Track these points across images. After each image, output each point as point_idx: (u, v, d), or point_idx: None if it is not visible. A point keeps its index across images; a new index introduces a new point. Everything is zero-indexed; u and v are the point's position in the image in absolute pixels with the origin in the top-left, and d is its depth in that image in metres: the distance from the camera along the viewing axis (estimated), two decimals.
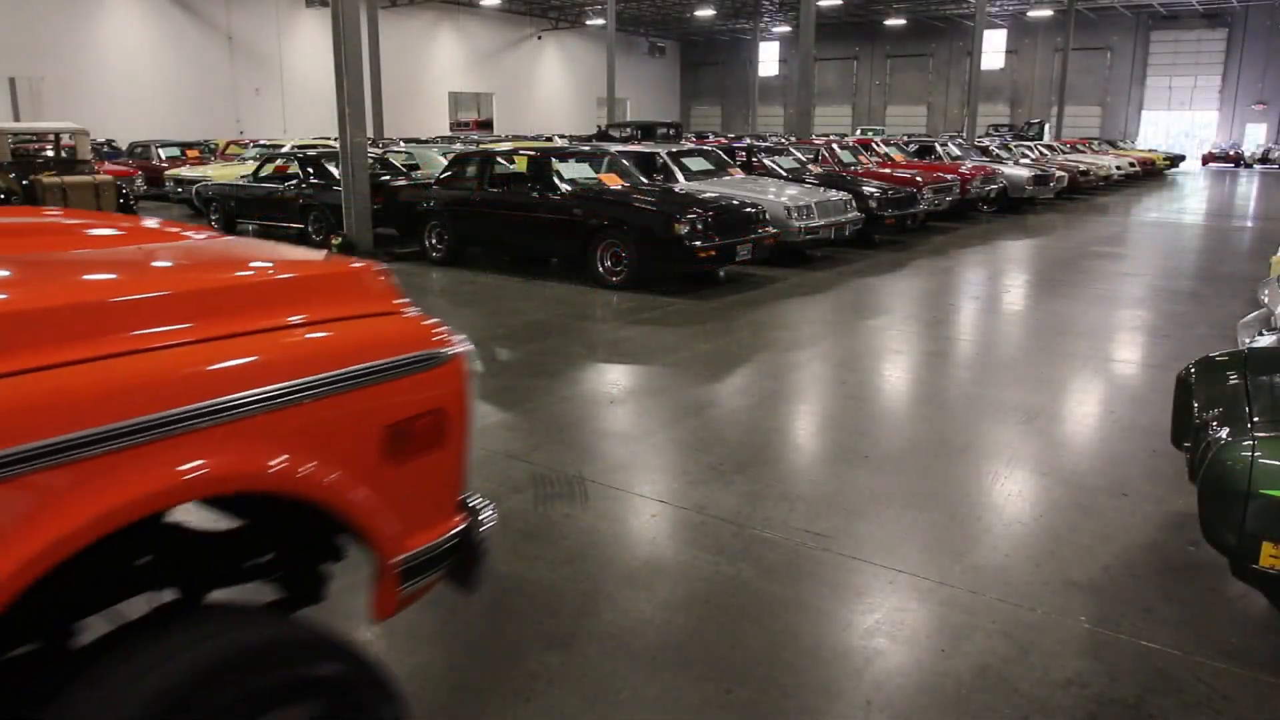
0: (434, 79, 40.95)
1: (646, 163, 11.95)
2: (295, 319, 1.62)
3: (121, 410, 1.30)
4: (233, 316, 1.54)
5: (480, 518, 1.97)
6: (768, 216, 9.76)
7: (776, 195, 10.81)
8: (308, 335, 1.61)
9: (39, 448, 1.21)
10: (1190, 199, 22.52)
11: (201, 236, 2.15)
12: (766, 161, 13.70)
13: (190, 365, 1.42)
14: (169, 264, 1.81)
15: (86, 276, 1.66)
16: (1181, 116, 45.46)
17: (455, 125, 41.60)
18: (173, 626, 1.42)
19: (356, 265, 1.84)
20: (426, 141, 24.94)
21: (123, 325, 1.40)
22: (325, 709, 1.48)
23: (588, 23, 46.04)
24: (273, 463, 1.47)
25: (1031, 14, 44.50)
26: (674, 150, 12.57)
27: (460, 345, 1.85)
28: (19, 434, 1.20)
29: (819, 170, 14.29)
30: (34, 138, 16.61)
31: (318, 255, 1.90)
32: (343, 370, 1.60)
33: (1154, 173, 30.69)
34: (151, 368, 1.38)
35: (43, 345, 1.29)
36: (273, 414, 1.48)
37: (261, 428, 1.47)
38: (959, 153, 19.09)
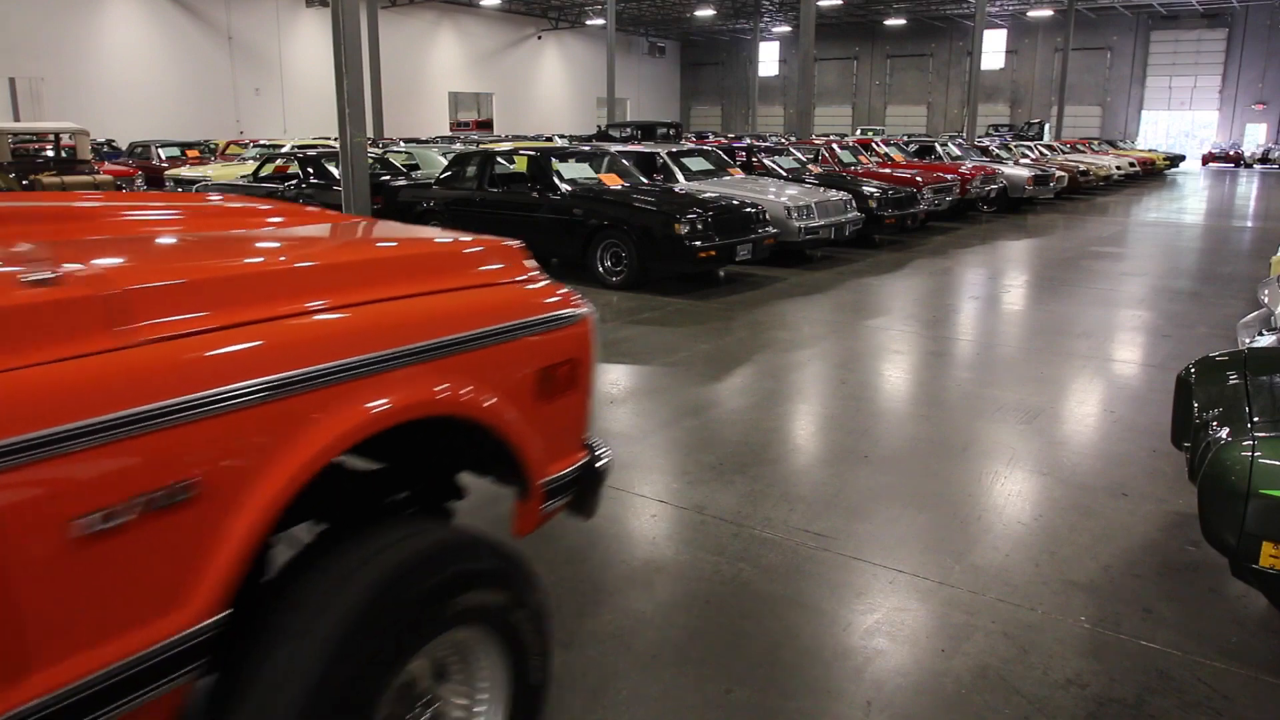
0: (434, 79, 40.96)
1: (646, 163, 11.96)
2: (477, 284, 2.07)
3: (380, 343, 1.73)
4: (436, 278, 1.97)
5: (599, 454, 2.42)
6: (768, 216, 9.76)
7: (776, 195, 10.81)
8: (485, 296, 2.05)
9: (332, 368, 1.64)
10: (1190, 199, 22.53)
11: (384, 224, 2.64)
12: (766, 161, 13.71)
13: (413, 313, 1.85)
14: (386, 240, 2.28)
15: (334, 243, 2.27)
16: (1181, 116, 45.48)
17: (455, 125, 41.60)
18: (371, 534, 1.72)
19: (509, 244, 2.23)
20: (426, 141, 24.94)
21: (371, 282, 1.84)
22: (493, 597, 1.84)
23: (588, 23, 46.05)
24: (463, 392, 1.90)
25: (1031, 14, 44.50)
26: (674, 150, 12.57)
27: (588, 308, 2.29)
28: (322, 354, 1.63)
29: (819, 170, 14.29)
30: (34, 138, 16.61)
31: (474, 236, 2.27)
32: (511, 323, 2.03)
33: (1154, 173, 30.70)
34: (391, 313, 1.81)
35: (324, 292, 1.74)
36: (466, 355, 1.91)
37: (457, 365, 1.89)
38: (959, 153, 19.10)
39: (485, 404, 1.93)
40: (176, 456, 1.42)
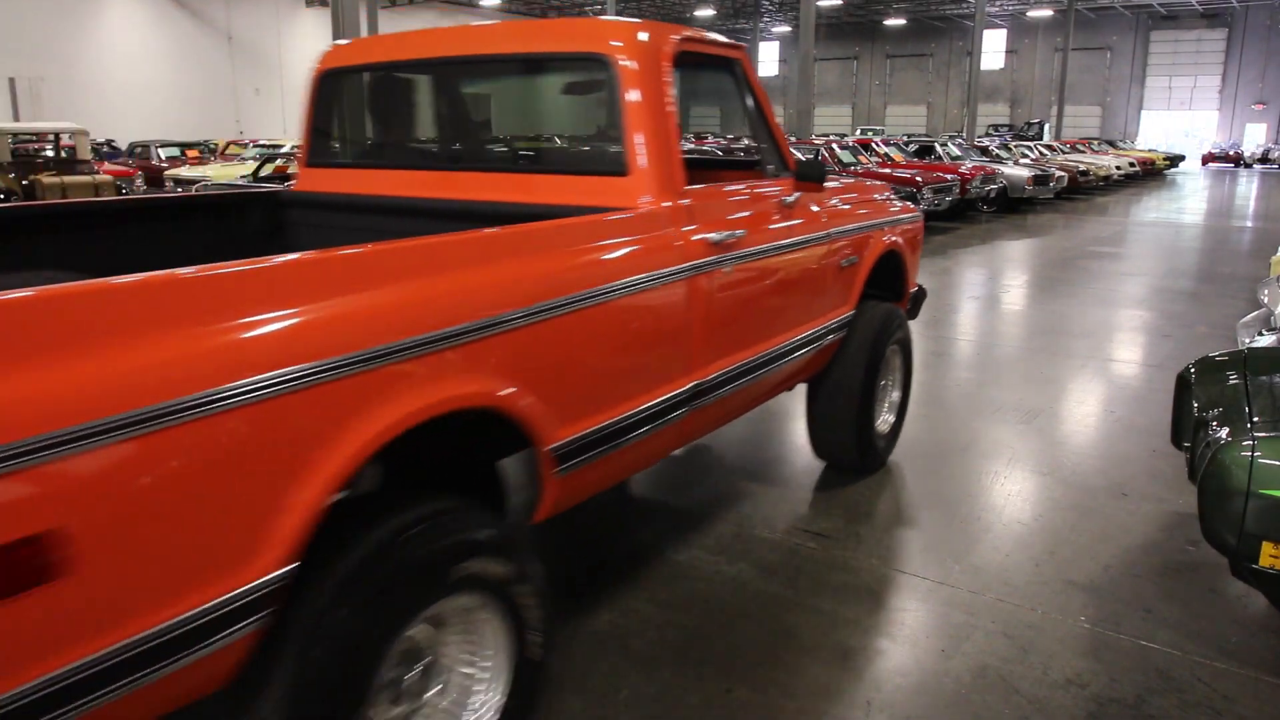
0: None
1: None
2: (891, 206, 4.28)
3: (859, 219, 3.88)
4: (875, 213, 4.07)
5: (917, 293, 4.65)
6: None
7: None
8: (895, 209, 4.29)
9: (888, 221, 4.14)
10: (1190, 199, 22.54)
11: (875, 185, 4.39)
12: None
13: (881, 209, 4.14)
14: (878, 194, 4.28)
15: (869, 196, 4.16)
16: (1181, 116, 45.49)
17: None
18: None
19: (902, 201, 4.46)
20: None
21: (872, 209, 4.04)
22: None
23: None
24: (899, 240, 4.23)
25: (1031, 14, 44.52)
26: None
27: (919, 212, 4.49)
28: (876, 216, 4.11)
29: None
30: (34, 138, 16.62)
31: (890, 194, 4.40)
32: (908, 215, 4.40)
33: (1154, 173, 30.72)
34: (879, 209, 4.12)
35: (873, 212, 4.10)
36: (883, 229, 4.08)
37: (895, 230, 4.25)
38: (959, 153, 19.10)
39: (910, 242, 4.39)
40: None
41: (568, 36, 2.91)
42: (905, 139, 23.13)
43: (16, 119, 26.46)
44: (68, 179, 11.45)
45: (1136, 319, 8.04)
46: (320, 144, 3.61)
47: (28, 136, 16.47)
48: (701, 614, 3.05)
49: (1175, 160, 34.57)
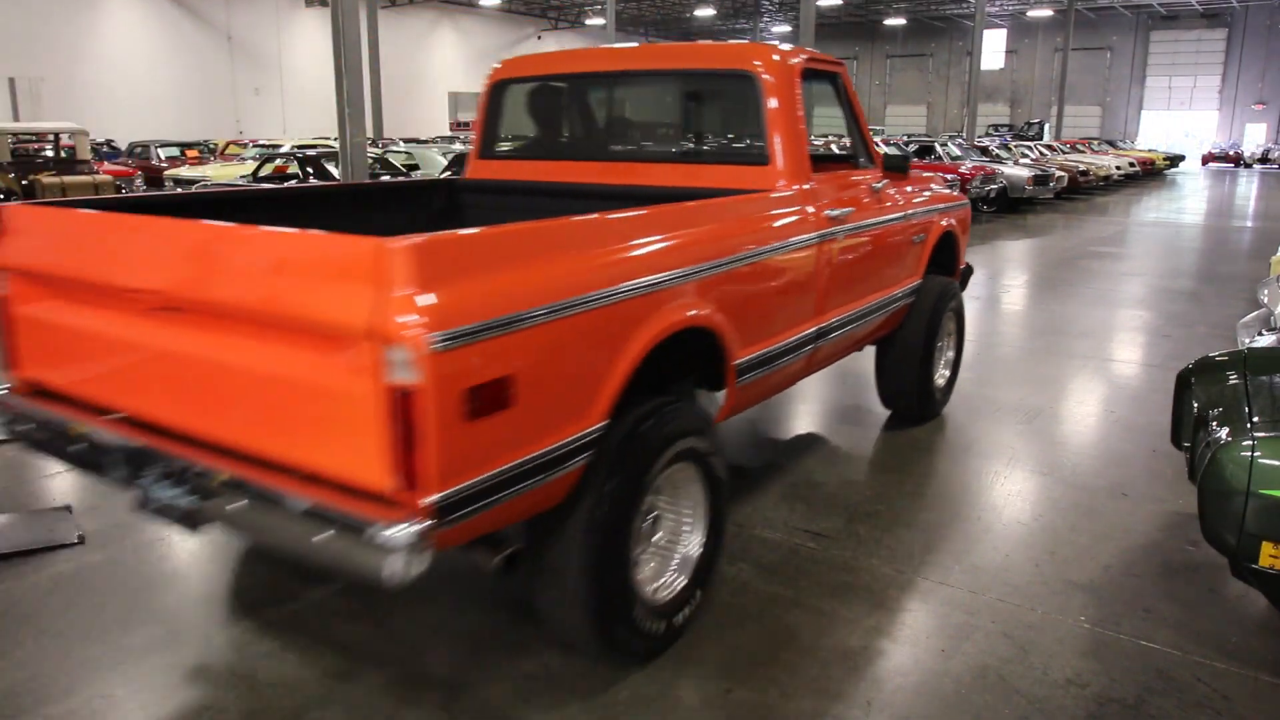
0: (434, 79, 40.97)
1: None
2: (948, 195, 5.12)
3: (925, 203, 4.75)
4: (936, 200, 4.88)
5: (966, 270, 5.50)
6: None
7: None
8: (950, 198, 5.12)
9: (937, 209, 4.90)
10: (1190, 199, 22.54)
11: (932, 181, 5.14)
12: None
13: (944, 198, 5.02)
14: (937, 187, 5.07)
15: (930, 189, 4.96)
16: (1181, 116, 45.48)
17: (455, 125, 41.59)
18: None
19: (952, 191, 5.23)
20: (426, 141, 24.94)
21: (934, 199, 4.86)
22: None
23: (588, 23, 46.06)
24: (952, 222, 5.07)
25: (1031, 14, 44.50)
26: None
27: (960, 205, 5.24)
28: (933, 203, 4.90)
29: None
30: (34, 138, 16.61)
31: (945, 188, 5.19)
32: (958, 202, 5.22)
33: (1154, 173, 30.71)
34: (941, 199, 5.00)
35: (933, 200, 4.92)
36: (942, 214, 4.93)
37: (951, 214, 5.07)
38: (959, 153, 19.09)
39: (961, 225, 5.21)
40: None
41: (719, 57, 3.85)
42: (905, 139, 23.12)
43: (16, 119, 26.45)
44: (67, 179, 11.45)
45: (1136, 319, 8.04)
46: (490, 140, 4.47)
47: (28, 136, 16.47)
48: (701, 614, 3.05)
49: (1175, 160, 34.56)
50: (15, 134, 13.18)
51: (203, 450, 2.32)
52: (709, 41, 4.24)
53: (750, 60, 3.65)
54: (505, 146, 4.48)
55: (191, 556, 3.50)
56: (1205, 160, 40.62)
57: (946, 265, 5.15)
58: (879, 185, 4.25)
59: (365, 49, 15.45)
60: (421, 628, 2.97)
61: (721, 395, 3.12)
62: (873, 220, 4.09)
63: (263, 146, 20.21)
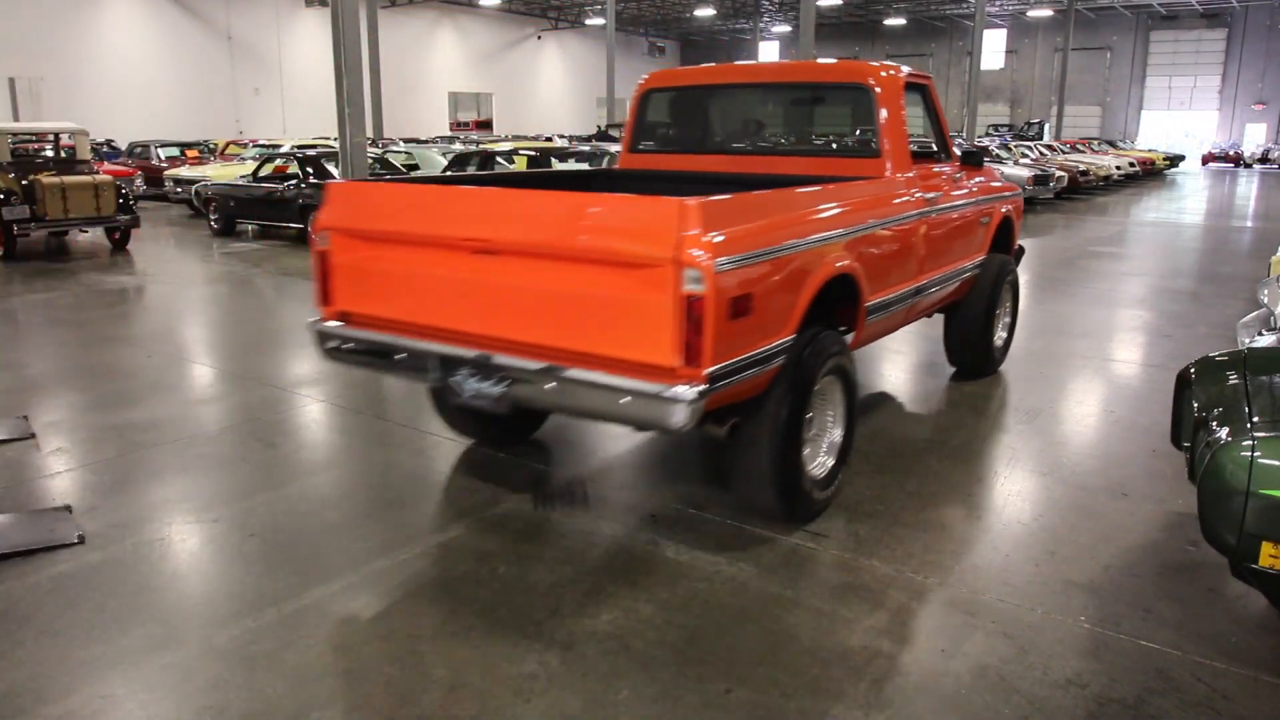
0: (434, 79, 40.95)
1: None
2: (1003, 185, 6.11)
3: (990, 192, 5.80)
4: (998, 190, 5.93)
5: (1019, 250, 6.58)
6: None
7: None
8: (1006, 188, 6.12)
9: (997, 197, 5.91)
10: (1190, 199, 22.53)
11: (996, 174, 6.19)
12: None
13: (1005, 188, 6.08)
14: (998, 180, 6.09)
15: (991, 180, 5.95)
16: (1181, 116, 45.45)
17: (455, 125, 41.59)
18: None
19: (1009, 185, 6.23)
20: (426, 141, 24.93)
21: (994, 188, 5.87)
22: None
23: (588, 23, 46.04)
24: (1011, 209, 6.13)
25: (1031, 14, 44.47)
26: None
27: (1016, 194, 6.24)
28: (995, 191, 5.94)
29: None
30: (34, 138, 16.60)
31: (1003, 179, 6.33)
32: (1014, 192, 6.21)
33: (1154, 173, 30.69)
34: (997, 189, 5.95)
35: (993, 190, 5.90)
36: (1009, 200, 6.07)
37: (1008, 202, 6.04)
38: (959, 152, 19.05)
39: (1016, 212, 6.24)
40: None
41: (839, 72, 5.03)
42: None
43: (16, 119, 26.44)
44: (68, 179, 11.43)
45: (1137, 319, 8.04)
46: (638, 138, 5.52)
47: (28, 136, 16.46)
48: (701, 614, 3.05)
49: (1175, 160, 34.53)
50: (15, 134, 13.16)
51: (509, 349, 3.34)
52: (827, 60, 5.43)
53: (866, 76, 4.72)
54: (650, 143, 5.50)
55: (191, 556, 3.51)
56: (1205, 160, 40.60)
57: (1004, 245, 6.11)
58: (958, 176, 5.30)
59: (365, 49, 15.45)
60: (420, 630, 2.97)
61: (849, 337, 4.03)
62: (954, 204, 5.14)
63: (262, 146, 20.20)
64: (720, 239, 2.95)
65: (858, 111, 4.94)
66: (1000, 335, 6.08)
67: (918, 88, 5.06)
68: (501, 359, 3.31)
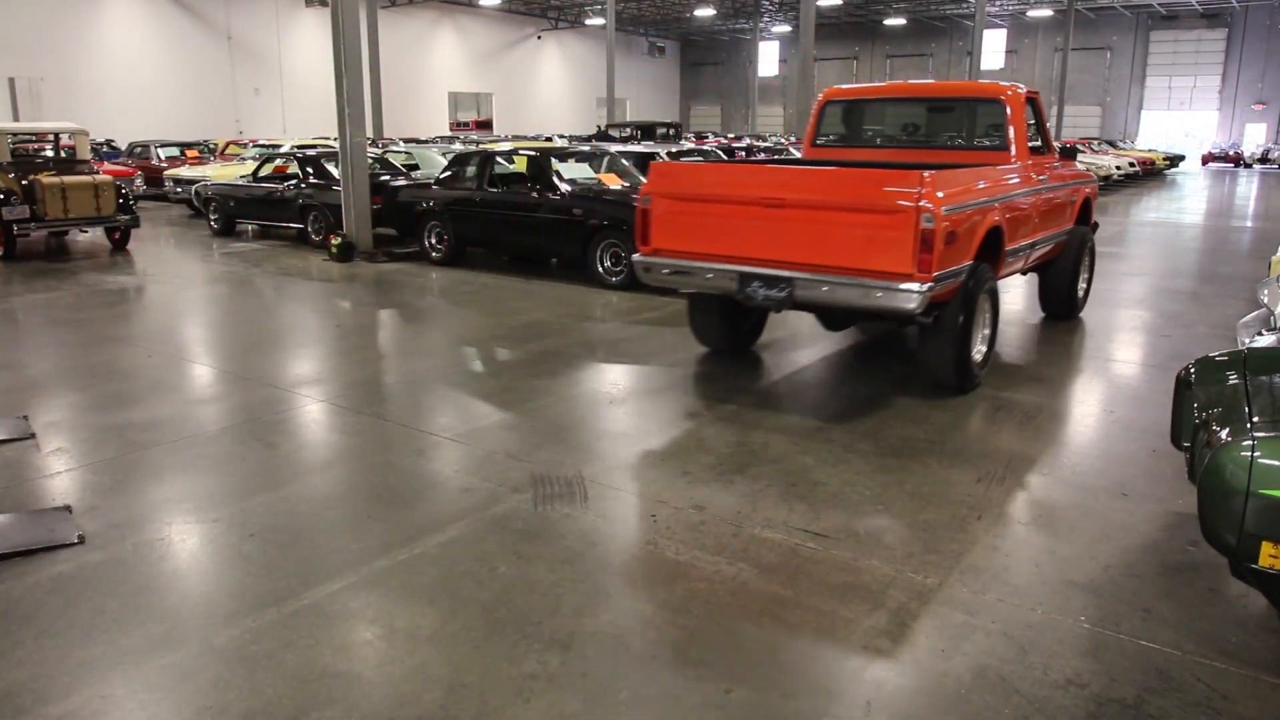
0: (434, 79, 40.94)
1: (646, 163, 11.95)
2: (1083, 173, 8.11)
3: (1077, 177, 7.87)
4: (1081, 177, 7.97)
5: (1095, 224, 8.48)
6: None
7: None
8: (1084, 175, 8.10)
9: (1077, 183, 7.84)
10: (1190, 199, 22.52)
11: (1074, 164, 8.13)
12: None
13: (1082, 175, 8.01)
14: (1078, 167, 8.10)
15: (1073, 171, 7.91)
16: (1181, 116, 45.43)
17: (455, 125, 41.58)
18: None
19: (1087, 172, 8.32)
20: (426, 141, 24.91)
21: (1073, 176, 7.76)
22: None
23: (588, 23, 46.03)
24: (1091, 192, 8.18)
25: (1031, 14, 44.46)
26: (674, 150, 12.56)
27: (1094, 181, 8.32)
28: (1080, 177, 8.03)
29: None
30: (34, 138, 16.60)
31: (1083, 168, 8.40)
32: (1090, 180, 8.17)
33: (1154, 173, 30.68)
34: (1080, 175, 7.98)
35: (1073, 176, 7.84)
36: (1085, 187, 8.00)
37: (1090, 190, 8.10)
38: None
39: (1093, 194, 8.21)
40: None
41: (981, 90, 6.91)
42: None
43: (16, 119, 26.44)
44: (68, 179, 11.43)
45: (1136, 319, 8.04)
46: (817, 134, 7.52)
47: (28, 136, 16.45)
48: (701, 614, 3.05)
49: (1175, 160, 34.51)
50: (15, 134, 13.15)
51: (791, 269, 5.29)
52: (971, 81, 7.62)
53: (1002, 93, 6.69)
54: (828, 139, 7.47)
55: (191, 556, 3.51)
56: (1205, 160, 40.58)
57: (1085, 219, 7.98)
58: (1057, 165, 7.23)
59: (365, 49, 15.44)
60: (420, 629, 2.97)
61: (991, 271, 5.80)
62: (1054, 185, 7.00)
63: (262, 146, 20.18)
64: (941, 195, 4.90)
65: (993, 117, 6.74)
66: (1081, 287, 7.97)
67: (1032, 101, 6.92)
68: (787, 274, 5.26)
